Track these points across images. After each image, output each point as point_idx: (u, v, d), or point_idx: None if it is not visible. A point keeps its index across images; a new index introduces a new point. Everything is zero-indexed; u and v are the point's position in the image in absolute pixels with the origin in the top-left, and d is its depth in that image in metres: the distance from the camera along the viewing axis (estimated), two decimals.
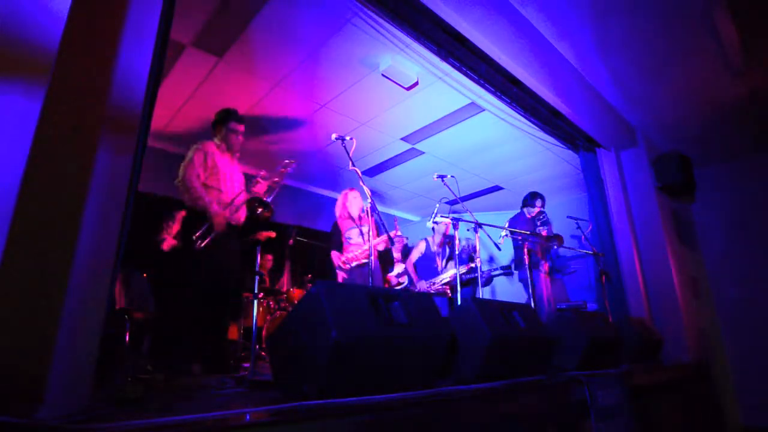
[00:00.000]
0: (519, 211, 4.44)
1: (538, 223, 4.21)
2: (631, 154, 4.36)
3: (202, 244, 2.54)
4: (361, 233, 3.71)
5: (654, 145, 4.56)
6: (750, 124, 4.34)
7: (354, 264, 3.66)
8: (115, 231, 1.25)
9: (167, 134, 4.54)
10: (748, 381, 4.44)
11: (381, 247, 3.70)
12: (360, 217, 3.81)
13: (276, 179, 2.84)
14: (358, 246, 3.68)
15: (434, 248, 4.25)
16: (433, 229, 4.37)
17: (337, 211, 3.90)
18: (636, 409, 2.25)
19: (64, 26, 1.15)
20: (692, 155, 4.52)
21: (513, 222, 4.23)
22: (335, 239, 3.79)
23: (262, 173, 2.88)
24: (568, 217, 4.13)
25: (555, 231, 4.25)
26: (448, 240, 4.43)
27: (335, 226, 3.86)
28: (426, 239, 4.45)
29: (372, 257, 3.62)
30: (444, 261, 4.38)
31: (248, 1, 2.82)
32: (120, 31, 1.36)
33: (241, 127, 2.95)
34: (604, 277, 3.70)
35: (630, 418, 2.15)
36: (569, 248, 4.25)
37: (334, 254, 3.78)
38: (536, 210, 4.29)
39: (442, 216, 4.06)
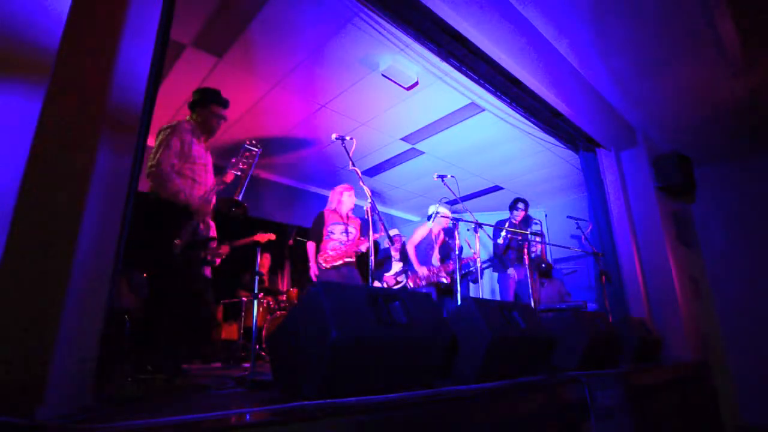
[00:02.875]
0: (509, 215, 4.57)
1: (528, 239, 4.29)
2: (631, 154, 4.36)
3: (182, 249, 2.30)
4: (346, 232, 3.62)
5: (654, 145, 4.56)
6: (750, 124, 4.34)
7: (330, 265, 3.53)
8: (115, 231, 1.26)
9: None
10: (748, 381, 4.44)
11: (363, 248, 3.57)
12: (348, 217, 3.73)
13: (243, 166, 2.60)
14: (338, 243, 3.57)
15: (433, 237, 4.23)
16: (431, 217, 4.31)
17: (329, 204, 3.79)
18: (636, 409, 2.25)
19: (64, 26, 1.15)
20: (692, 155, 4.52)
21: (497, 230, 4.33)
22: (316, 229, 3.65)
23: (232, 160, 2.61)
24: (568, 217, 4.13)
25: (556, 234, 4.31)
26: (446, 236, 4.43)
27: (320, 215, 3.71)
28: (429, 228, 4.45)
29: (351, 258, 3.58)
30: (440, 253, 4.36)
31: (248, 1, 2.82)
32: (120, 31, 1.36)
33: (223, 112, 2.65)
34: (604, 277, 3.70)
35: (630, 418, 2.15)
36: (569, 248, 4.26)
37: (311, 246, 3.62)
38: (521, 214, 4.42)
39: (441, 207, 4.11)
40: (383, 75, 3.52)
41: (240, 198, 2.60)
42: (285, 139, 4.66)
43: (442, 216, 4.22)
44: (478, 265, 3.48)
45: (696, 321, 4.07)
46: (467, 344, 1.78)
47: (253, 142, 2.62)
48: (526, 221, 4.52)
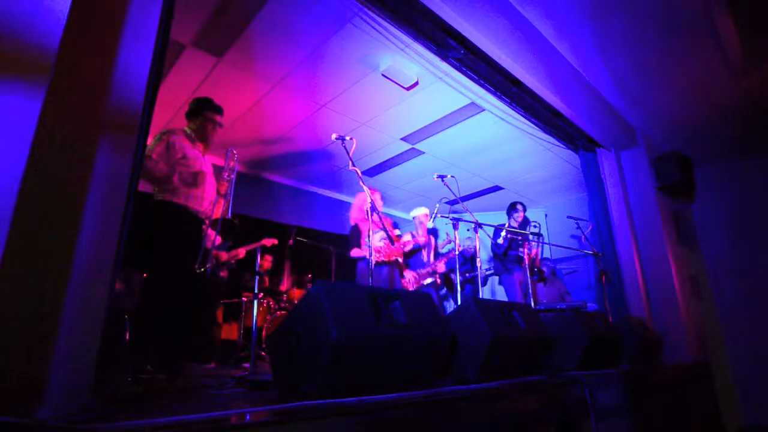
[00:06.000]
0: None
1: (529, 240, 4.30)
2: (631, 154, 4.36)
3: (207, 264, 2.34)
4: (388, 237, 3.63)
5: (654, 145, 4.56)
6: (750, 124, 4.34)
7: (382, 260, 3.66)
8: (115, 231, 1.25)
9: None
10: (748, 381, 4.43)
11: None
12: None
13: (232, 173, 2.63)
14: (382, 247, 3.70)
15: (420, 240, 4.27)
16: (413, 220, 4.46)
17: (354, 213, 3.86)
18: (636, 409, 2.25)
19: (64, 26, 1.15)
20: (692, 155, 4.51)
21: (498, 230, 4.32)
22: (355, 239, 3.74)
23: (223, 174, 2.63)
24: (568, 217, 4.13)
25: (556, 234, 4.32)
26: (431, 232, 4.46)
27: (355, 228, 3.80)
28: (411, 233, 4.46)
29: (398, 258, 3.70)
30: (429, 252, 4.38)
31: (248, 1, 2.82)
32: (120, 31, 1.36)
33: (219, 118, 2.72)
34: (604, 277, 3.70)
35: (630, 418, 2.15)
36: (569, 248, 4.26)
37: (356, 251, 3.72)
38: (521, 216, 4.45)
39: (416, 210, 4.22)
40: (383, 75, 3.52)
41: (231, 204, 2.58)
42: (285, 139, 4.66)
43: (415, 217, 4.36)
44: (479, 268, 3.47)
45: (696, 321, 4.07)
46: (467, 344, 1.78)
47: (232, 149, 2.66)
48: (525, 224, 4.52)
